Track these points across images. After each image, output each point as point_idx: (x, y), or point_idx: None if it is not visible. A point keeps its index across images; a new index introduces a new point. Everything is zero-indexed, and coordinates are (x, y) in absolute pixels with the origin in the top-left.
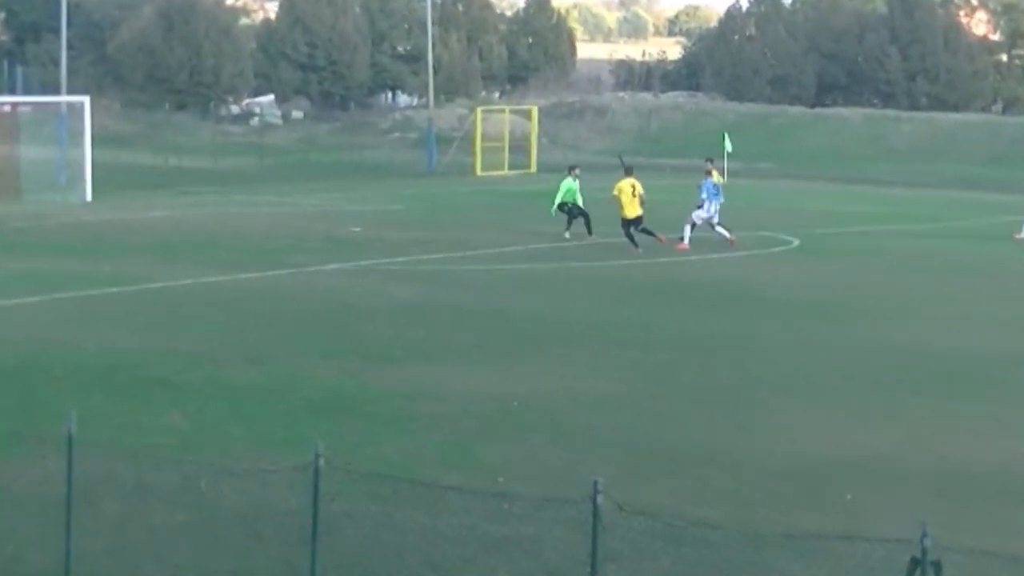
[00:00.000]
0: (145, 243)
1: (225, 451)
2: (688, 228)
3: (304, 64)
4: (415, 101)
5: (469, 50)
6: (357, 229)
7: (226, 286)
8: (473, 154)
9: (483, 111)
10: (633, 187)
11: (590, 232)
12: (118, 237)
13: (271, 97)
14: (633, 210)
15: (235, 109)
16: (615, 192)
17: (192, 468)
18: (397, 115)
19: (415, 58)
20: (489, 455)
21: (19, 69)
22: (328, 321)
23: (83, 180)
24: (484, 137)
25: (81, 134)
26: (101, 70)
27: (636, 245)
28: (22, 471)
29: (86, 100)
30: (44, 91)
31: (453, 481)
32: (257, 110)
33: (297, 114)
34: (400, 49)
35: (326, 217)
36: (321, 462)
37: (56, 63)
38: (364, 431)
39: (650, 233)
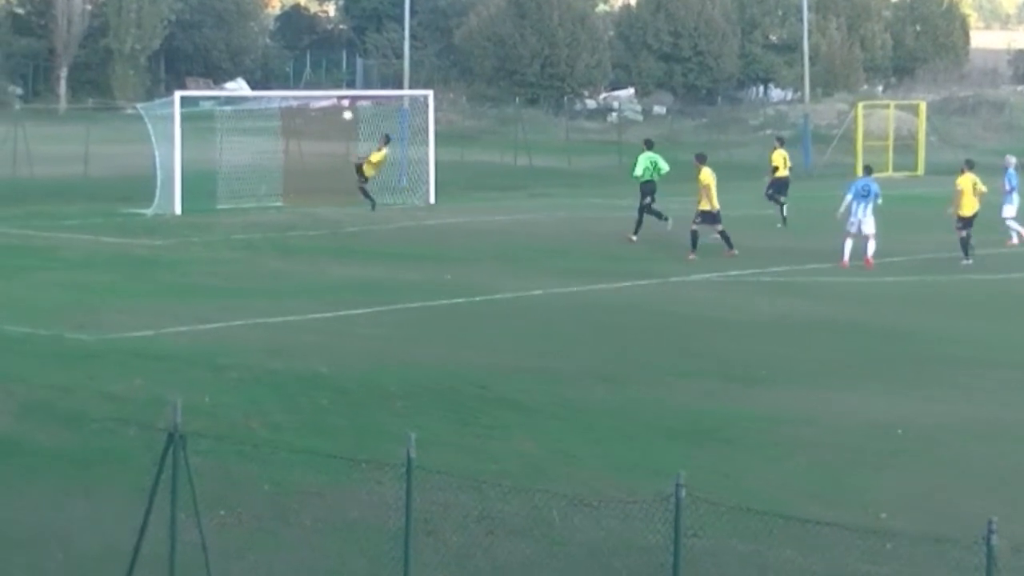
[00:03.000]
0: (492, 249)
1: (576, 479)
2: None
3: (667, 54)
4: (789, 95)
5: (850, 39)
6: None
7: (580, 297)
8: (854, 154)
9: (865, 106)
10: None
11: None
12: (463, 243)
13: (631, 91)
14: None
15: (591, 104)
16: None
17: (542, 498)
18: (769, 110)
19: (789, 48)
20: (866, 487)
21: (359, 61)
22: (689, 337)
23: (426, 181)
24: (866, 135)
25: (424, 131)
26: (446, 62)
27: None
28: (357, 498)
29: (430, 94)
30: (384, 84)
31: (826, 516)
32: (615, 105)
33: (659, 109)
34: (773, 38)
35: (690, 222)
36: (683, 493)
37: (398, 54)
38: (727, 459)
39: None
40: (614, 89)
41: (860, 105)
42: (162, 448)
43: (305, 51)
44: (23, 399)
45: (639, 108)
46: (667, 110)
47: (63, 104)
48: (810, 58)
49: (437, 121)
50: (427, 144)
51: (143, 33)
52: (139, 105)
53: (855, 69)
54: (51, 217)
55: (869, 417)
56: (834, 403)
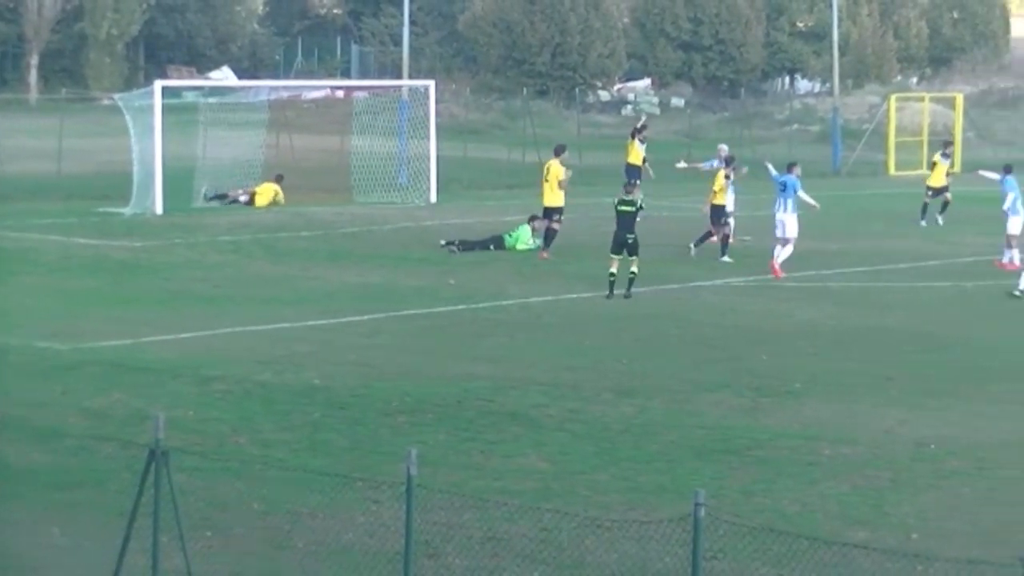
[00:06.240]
0: (498, 252)
1: (591, 500)
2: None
3: (687, 43)
4: (817, 87)
5: (882, 26)
6: (748, 239)
7: (594, 304)
8: (886, 150)
9: (898, 99)
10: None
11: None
12: None
13: (647, 82)
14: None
15: (605, 96)
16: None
17: (551, 518)
18: (796, 103)
19: (818, 36)
20: (902, 508)
21: (354, 48)
22: (714, 346)
23: (426, 179)
24: (899, 130)
25: (425, 124)
26: (449, 50)
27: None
28: (352, 519)
29: (431, 85)
30: (382, 74)
31: (859, 538)
32: (631, 97)
33: (677, 102)
34: (800, 25)
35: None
36: (702, 513)
37: (397, 42)
38: (755, 478)
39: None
40: (629, 80)
41: (893, 98)
42: (143, 468)
43: (296, 38)
44: None
45: (656, 101)
46: (686, 103)
47: (34, 94)
48: (840, 47)
49: (439, 114)
50: (428, 138)
51: (121, 17)
52: (116, 96)
53: (888, 59)
54: (21, 217)
55: (913, 434)
56: (875, 419)
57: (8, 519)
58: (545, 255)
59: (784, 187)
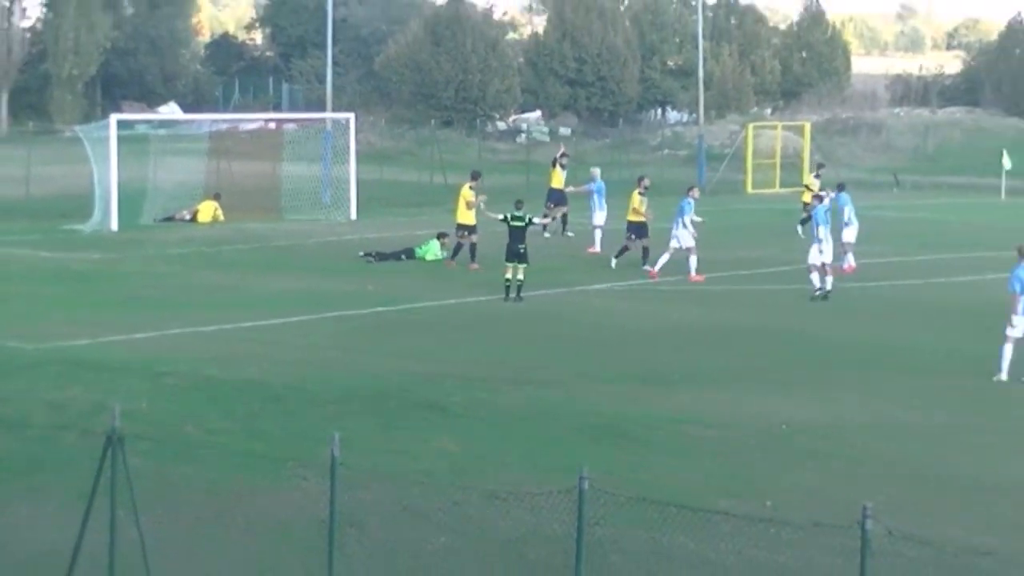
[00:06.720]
0: (409, 262)
1: (496, 478)
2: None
3: (572, 79)
4: (685, 117)
5: (741, 64)
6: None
7: (494, 306)
8: (744, 171)
9: (755, 127)
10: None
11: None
12: None
13: (538, 113)
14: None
15: (502, 126)
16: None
17: (459, 493)
18: (667, 131)
19: (686, 73)
20: (763, 481)
21: (285, 86)
22: (601, 343)
23: (347, 198)
24: (755, 154)
25: (346, 151)
26: (367, 86)
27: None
28: (287, 496)
29: (351, 117)
30: (309, 108)
31: (722, 505)
32: (524, 127)
33: (564, 131)
34: (671, 64)
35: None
36: (586, 485)
37: (322, 80)
38: (641, 457)
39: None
40: (523, 112)
41: (750, 126)
42: (101, 453)
43: (234, 76)
44: None
45: (546, 129)
46: (572, 131)
47: (4, 127)
48: (705, 83)
49: (358, 142)
50: (348, 163)
51: (80, 59)
52: (78, 128)
53: (746, 93)
54: None
55: (770, 417)
56: (738, 404)
57: None
58: (452, 264)
59: (681, 210)
